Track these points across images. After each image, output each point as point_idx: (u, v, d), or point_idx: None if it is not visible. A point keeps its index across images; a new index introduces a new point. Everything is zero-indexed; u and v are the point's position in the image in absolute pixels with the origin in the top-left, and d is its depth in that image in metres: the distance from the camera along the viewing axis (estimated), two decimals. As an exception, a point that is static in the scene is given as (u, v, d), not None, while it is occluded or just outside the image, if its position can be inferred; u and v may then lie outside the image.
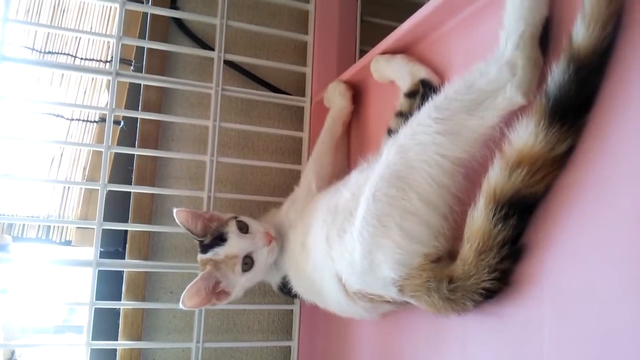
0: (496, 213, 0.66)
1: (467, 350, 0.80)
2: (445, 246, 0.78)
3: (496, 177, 0.67)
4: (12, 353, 1.39)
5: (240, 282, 1.08)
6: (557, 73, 0.62)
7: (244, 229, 1.08)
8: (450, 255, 0.76)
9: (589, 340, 0.59)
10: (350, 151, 1.28)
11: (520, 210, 0.66)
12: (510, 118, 0.69)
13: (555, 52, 0.66)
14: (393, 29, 1.02)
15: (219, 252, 1.06)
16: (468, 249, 0.70)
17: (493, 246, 0.67)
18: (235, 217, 1.10)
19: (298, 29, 1.57)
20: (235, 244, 1.06)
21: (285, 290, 1.15)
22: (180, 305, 1.02)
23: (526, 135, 0.64)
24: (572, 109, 0.61)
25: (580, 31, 0.60)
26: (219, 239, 1.06)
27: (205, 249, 1.08)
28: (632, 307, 0.54)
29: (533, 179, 0.64)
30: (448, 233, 0.77)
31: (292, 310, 1.46)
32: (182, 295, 1.01)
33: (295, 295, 1.17)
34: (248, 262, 1.06)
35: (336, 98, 1.25)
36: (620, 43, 0.58)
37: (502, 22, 0.70)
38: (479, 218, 0.69)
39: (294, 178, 1.48)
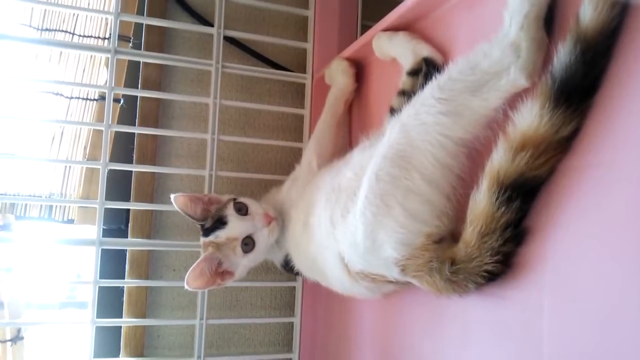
0: (499, 196, 0.66)
1: (467, 330, 0.80)
2: (447, 226, 0.78)
3: (500, 160, 0.66)
4: (19, 330, 1.41)
5: (242, 263, 1.09)
6: (563, 54, 0.61)
7: (242, 210, 1.08)
8: (453, 237, 0.76)
9: (589, 326, 0.59)
10: (351, 129, 1.27)
11: (524, 194, 0.65)
12: (515, 99, 0.68)
13: (561, 32, 0.65)
14: (395, 2, 1.00)
15: (220, 235, 1.06)
16: (471, 232, 0.70)
17: (496, 229, 0.67)
18: (234, 199, 1.10)
19: (299, 4, 1.55)
20: (235, 227, 1.06)
21: (288, 267, 1.16)
22: (186, 287, 1.03)
23: (531, 118, 0.64)
24: (577, 91, 0.60)
25: (588, 11, 0.58)
26: (220, 222, 1.06)
27: (206, 232, 1.08)
28: (634, 294, 0.54)
29: (537, 161, 0.63)
30: (451, 213, 0.77)
31: (294, 287, 1.47)
32: (187, 276, 1.02)
33: (297, 273, 1.17)
34: (249, 243, 1.07)
35: (339, 76, 1.23)
36: (629, 24, 0.57)
37: (506, 0, 0.69)
38: (482, 201, 0.68)
39: (296, 155, 1.48)
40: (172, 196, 1.08)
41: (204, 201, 1.11)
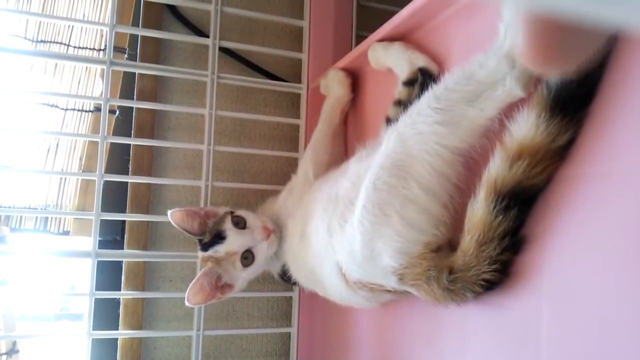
0: (497, 204, 0.67)
1: (465, 339, 0.80)
2: (445, 235, 0.78)
3: (497, 169, 0.67)
4: (14, 343, 1.40)
5: (242, 276, 1.09)
6: (558, 64, 0.61)
7: (240, 223, 1.08)
8: (451, 245, 0.77)
9: (587, 333, 0.59)
10: (347, 139, 1.28)
11: (521, 202, 0.66)
12: (511, 109, 0.69)
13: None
14: (390, 13, 1.01)
15: (219, 250, 1.06)
16: (469, 241, 0.70)
17: (494, 238, 0.67)
18: (232, 212, 1.10)
19: (293, 14, 1.56)
20: (234, 241, 1.06)
21: (286, 277, 1.15)
22: (186, 303, 1.03)
23: (527, 127, 0.64)
24: (573, 101, 0.61)
25: (582, 22, 0.59)
26: (218, 237, 1.06)
27: (205, 247, 1.08)
28: (631, 301, 0.54)
29: (534, 170, 0.64)
30: (448, 222, 0.78)
31: (291, 297, 1.46)
32: (187, 293, 1.02)
33: (295, 283, 1.17)
34: (248, 257, 1.07)
35: (335, 86, 1.24)
36: (624, 34, 0.58)
37: (501, 11, 0.70)
38: (479, 209, 0.69)
39: (291, 165, 1.48)
40: (168, 212, 1.08)
41: (200, 215, 1.10)
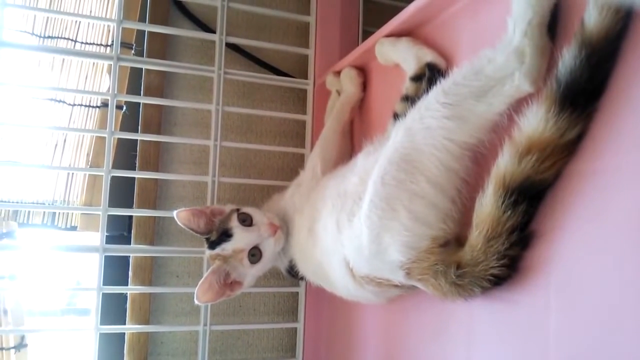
0: (505, 199, 0.66)
1: (473, 334, 0.80)
2: (453, 230, 0.78)
3: (506, 164, 0.67)
4: (22, 337, 1.41)
5: (250, 273, 1.09)
6: (568, 58, 0.61)
7: (247, 220, 1.08)
8: (459, 240, 0.77)
9: (595, 328, 0.59)
10: (354, 135, 1.27)
11: (530, 197, 0.66)
12: (520, 103, 0.69)
13: (566, 36, 0.65)
14: (396, 8, 1.01)
15: (226, 248, 1.06)
16: (477, 236, 0.70)
17: (502, 233, 0.67)
18: (238, 210, 1.10)
19: (300, 10, 1.55)
20: (241, 239, 1.06)
21: (293, 272, 1.16)
22: (196, 302, 1.03)
23: (536, 122, 0.64)
24: (583, 95, 0.61)
25: (593, 15, 0.59)
26: (225, 235, 1.06)
27: (212, 245, 1.08)
28: (639, 296, 0.54)
29: (543, 165, 0.64)
30: (456, 216, 0.78)
31: (297, 292, 1.47)
32: (196, 291, 1.03)
33: (302, 278, 1.18)
34: (256, 254, 1.07)
35: (347, 84, 1.23)
36: (634, 27, 0.58)
37: (510, 5, 0.70)
38: (488, 204, 0.69)
39: (298, 161, 1.49)
40: (174, 212, 1.08)
41: (206, 214, 1.10)
